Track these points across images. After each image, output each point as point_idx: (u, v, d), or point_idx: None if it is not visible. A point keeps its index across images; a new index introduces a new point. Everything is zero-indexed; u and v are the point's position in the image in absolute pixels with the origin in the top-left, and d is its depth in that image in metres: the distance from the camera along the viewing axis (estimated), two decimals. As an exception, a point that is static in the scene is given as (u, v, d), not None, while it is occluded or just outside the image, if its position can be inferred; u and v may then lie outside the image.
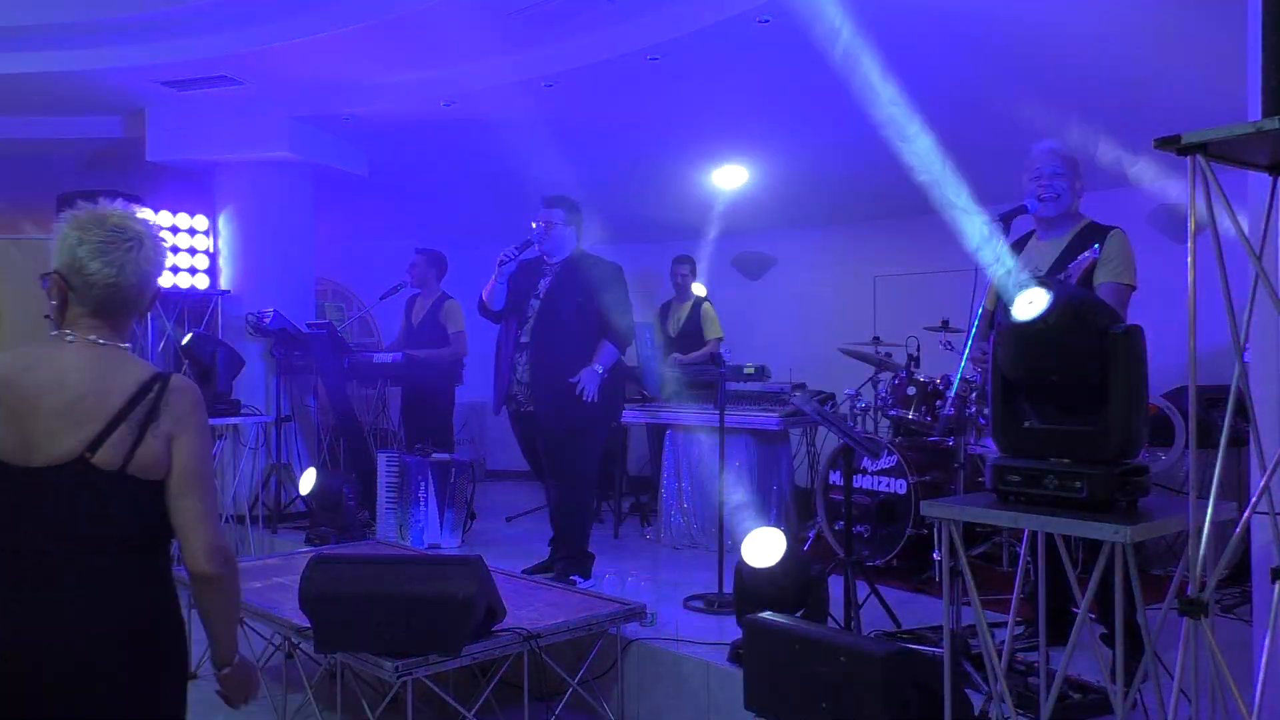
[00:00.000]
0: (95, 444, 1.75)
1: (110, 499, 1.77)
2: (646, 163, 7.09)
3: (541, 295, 4.65)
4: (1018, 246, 3.63)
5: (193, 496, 1.81)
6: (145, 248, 1.86)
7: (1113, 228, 3.46)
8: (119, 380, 1.80)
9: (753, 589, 3.53)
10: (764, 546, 3.58)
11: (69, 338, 1.83)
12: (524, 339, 4.64)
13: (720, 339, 7.07)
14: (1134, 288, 3.39)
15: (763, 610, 3.19)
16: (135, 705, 1.79)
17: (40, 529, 1.76)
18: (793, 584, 3.50)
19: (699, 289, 7.36)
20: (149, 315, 6.17)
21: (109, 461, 1.75)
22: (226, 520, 6.12)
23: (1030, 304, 2.20)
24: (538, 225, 4.67)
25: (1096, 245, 3.38)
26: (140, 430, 1.77)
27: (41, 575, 1.75)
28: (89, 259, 1.80)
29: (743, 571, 3.62)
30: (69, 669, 1.74)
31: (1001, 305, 3.55)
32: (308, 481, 5.66)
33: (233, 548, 1.90)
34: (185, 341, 6.02)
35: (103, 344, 1.84)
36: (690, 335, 7.11)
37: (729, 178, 7.21)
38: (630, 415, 6.01)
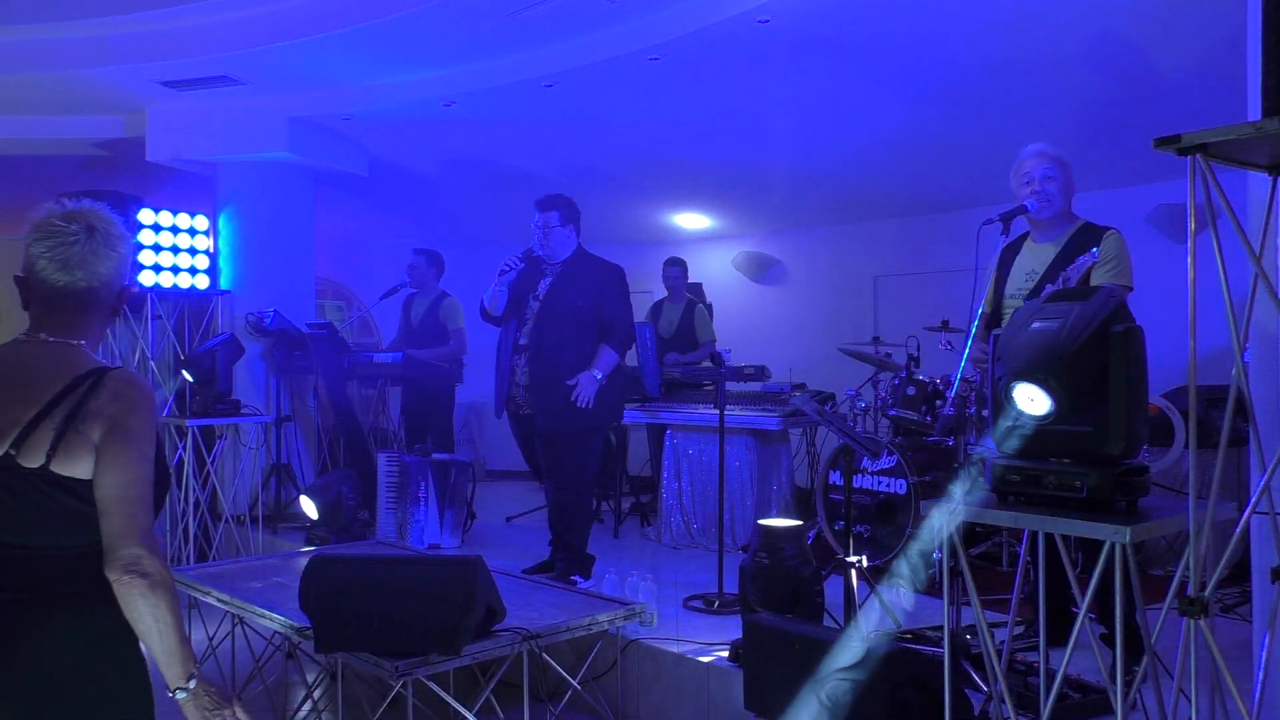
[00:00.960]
0: (19, 440, 1.68)
1: (40, 498, 1.69)
2: (647, 162, 7.10)
3: (541, 297, 4.63)
4: (1013, 248, 3.63)
5: (114, 489, 1.69)
6: (94, 241, 1.79)
7: (1109, 229, 3.46)
8: (52, 375, 1.73)
9: (752, 580, 3.54)
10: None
11: (22, 337, 1.80)
12: (523, 341, 4.62)
13: (713, 341, 7.08)
14: (1131, 289, 3.39)
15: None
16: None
17: None
18: (788, 583, 3.52)
19: (692, 289, 7.37)
20: (148, 315, 6.19)
21: (31, 459, 1.68)
22: (226, 520, 6.12)
23: (1031, 401, 2.17)
24: (537, 232, 4.63)
25: (1095, 249, 3.38)
26: (64, 425, 1.68)
27: None
28: (36, 258, 1.77)
29: (745, 567, 3.63)
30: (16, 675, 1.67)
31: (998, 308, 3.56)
32: (310, 507, 5.66)
33: (162, 557, 1.71)
34: (185, 358, 6.03)
35: (51, 341, 1.78)
36: (684, 336, 7.12)
37: (729, 181, 7.21)
38: (630, 415, 6.01)
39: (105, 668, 1.75)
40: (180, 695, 1.69)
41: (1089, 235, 3.44)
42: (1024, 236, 3.64)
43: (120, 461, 1.70)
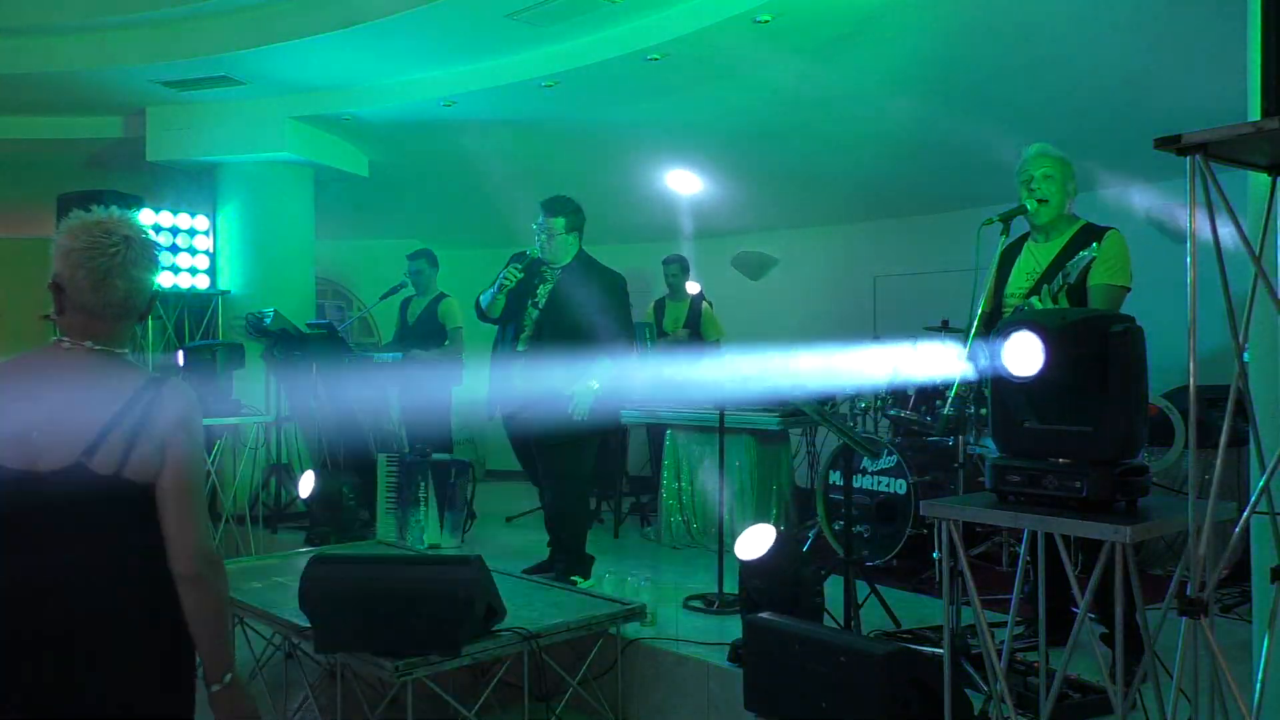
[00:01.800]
0: (92, 449, 1.76)
1: (106, 503, 1.78)
2: (646, 163, 7.09)
3: (541, 305, 4.58)
4: (1014, 248, 3.62)
5: (180, 500, 1.82)
6: (133, 251, 1.86)
7: (1109, 228, 3.45)
8: (114, 386, 1.82)
9: (748, 585, 3.54)
10: (755, 541, 3.59)
11: (65, 344, 1.85)
12: (520, 347, 4.59)
13: (720, 339, 7.07)
14: (1129, 289, 3.38)
15: (760, 608, 3.19)
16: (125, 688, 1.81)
17: (36, 531, 1.77)
18: (786, 583, 3.51)
19: (693, 287, 7.36)
20: (149, 316, 6.21)
21: (105, 466, 1.77)
22: (226, 520, 6.12)
23: (1024, 357, 2.17)
24: (539, 238, 4.57)
25: (1094, 244, 3.38)
26: (134, 435, 1.78)
27: (35, 574, 1.77)
28: (77, 266, 1.82)
29: (740, 570, 3.63)
30: (56, 669, 1.75)
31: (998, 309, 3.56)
32: (307, 484, 5.66)
33: (219, 555, 1.89)
34: (180, 364, 6.02)
35: (98, 350, 1.85)
36: (691, 333, 7.11)
37: (729, 179, 7.21)
38: (630, 415, 6.00)
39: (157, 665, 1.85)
40: (215, 689, 1.85)
41: (1090, 235, 3.44)
42: (1025, 236, 3.64)
43: (186, 469, 1.83)
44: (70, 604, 1.78)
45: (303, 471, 6.60)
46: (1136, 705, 2.63)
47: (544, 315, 4.56)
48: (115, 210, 1.90)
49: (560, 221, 4.55)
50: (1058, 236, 3.51)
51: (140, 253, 1.87)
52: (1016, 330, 2.18)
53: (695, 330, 7.10)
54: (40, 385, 1.81)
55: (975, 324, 3.41)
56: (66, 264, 1.82)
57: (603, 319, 4.53)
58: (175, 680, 1.88)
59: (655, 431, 6.48)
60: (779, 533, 3.58)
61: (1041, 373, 2.13)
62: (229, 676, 1.87)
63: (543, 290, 4.61)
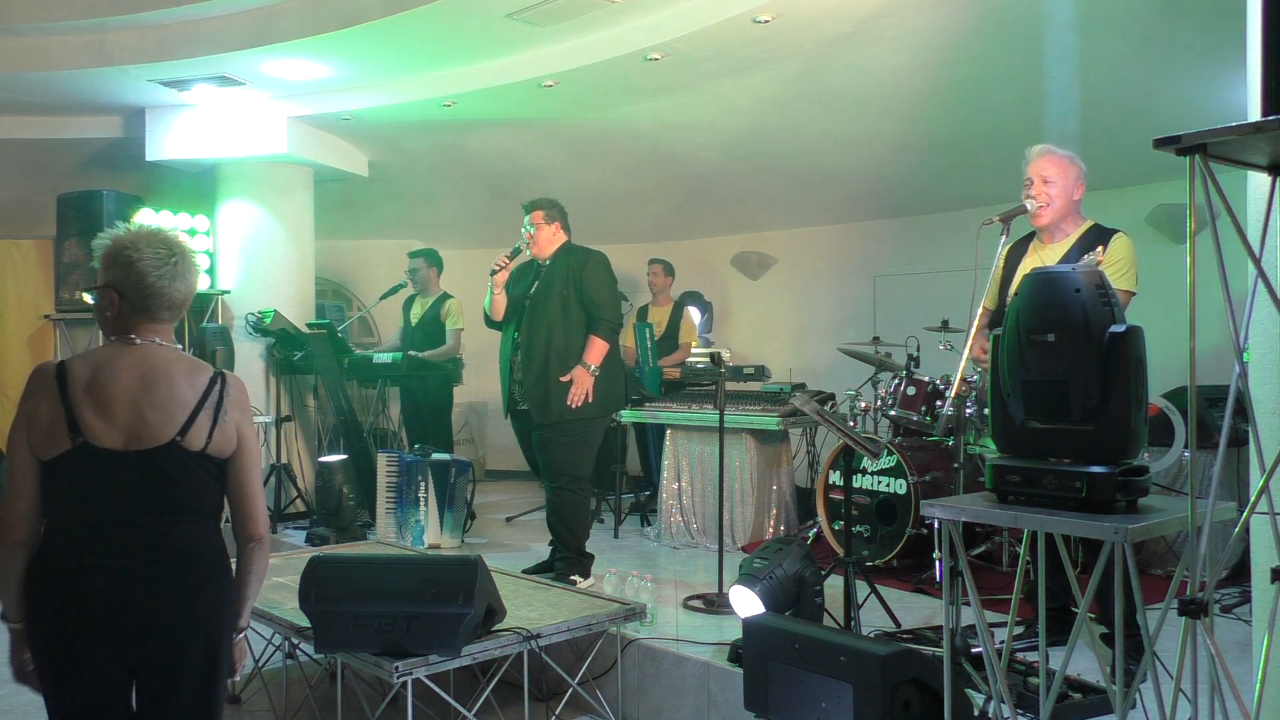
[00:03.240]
0: (184, 429, 2.07)
1: (193, 475, 2.10)
2: (647, 162, 7.09)
3: (531, 295, 4.68)
4: (1020, 247, 3.62)
5: (253, 472, 2.20)
6: (189, 259, 2.18)
7: (1117, 231, 3.42)
8: (193, 376, 2.13)
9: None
10: (743, 603, 3.61)
11: (136, 341, 2.12)
12: (518, 338, 4.67)
13: (690, 344, 7.11)
14: (1134, 294, 3.36)
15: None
16: (216, 639, 2.14)
17: (134, 504, 2.04)
18: (786, 584, 3.51)
19: (691, 295, 7.41)
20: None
21: (195, 443, 2.09)
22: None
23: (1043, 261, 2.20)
24: (523, 238, 4.71)
25: (1100, 248, 3.36)
26: (215, 416, 2.11)
27: (133, 542, 2.04)
28: (146, 273, 2.09)
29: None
30: (159, 617, 2.05)
31: (1001, 303, 3.55)
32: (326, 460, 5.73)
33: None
34: (202, 325, 6.06)
35: (164, 345, 2.15)
36: (669, 339, 7.13)
37: (729, 178, 7.21)
38: (630, 415, 6.01)
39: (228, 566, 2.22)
40: (239, 638, 2.24)
41: (1097, 237, 3.41)
42: (1032, 235, 3.62)
43: (255, 446, 2.23)
44: (163, 568, 2.06)
45: (303, 470, 6.62)
46: (1136, 705, 2.64)
47: (532, 304, 4.63)
48: (153, 224, 2.21)
49: (538, 215, 4.69)
50: (1064, 238, 3.49)
51: (191, 262, 2.19)
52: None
53: (674, 335, 7.15)
54: (126, 376, 2.06)
55: (977, 321, 3.41)
56: (130, 273, 2.09)
57: (584, 293, 4.58)
58: (229, 619, 2.21)
59: (653, 431, 6.49)
60: (762, 592, 3.58)
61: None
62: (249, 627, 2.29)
63: (536, 286, 4.69)
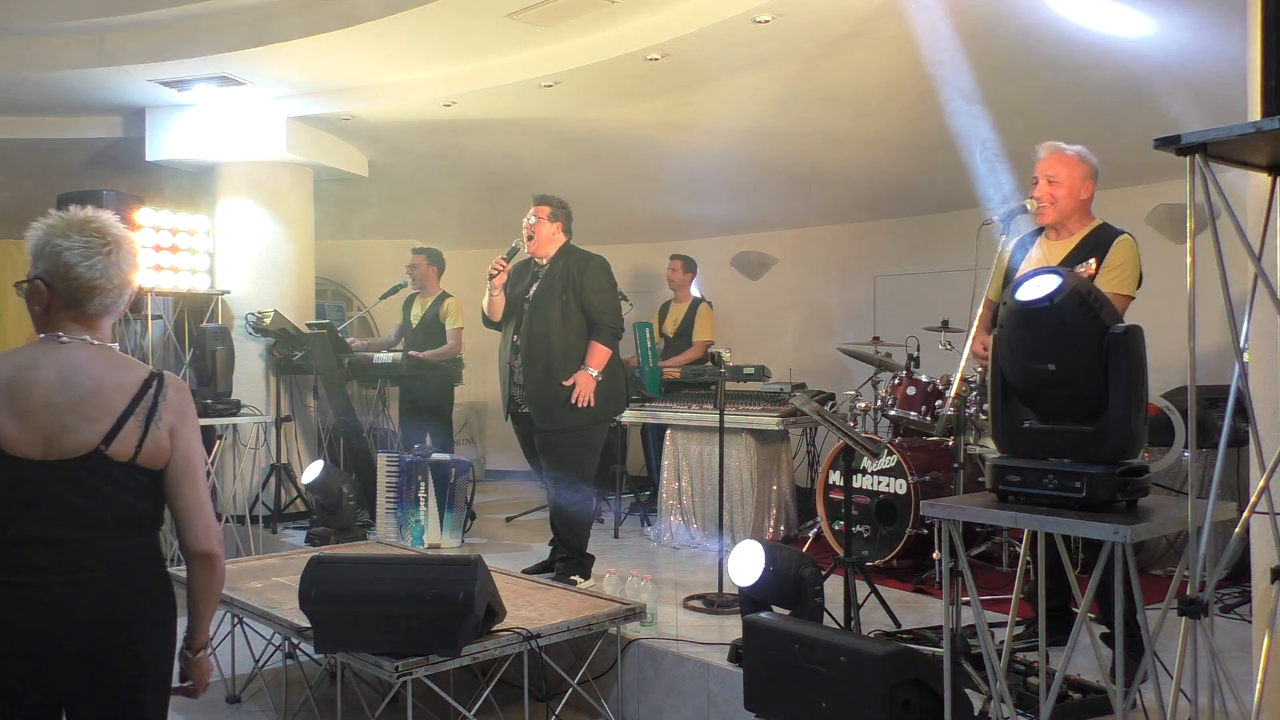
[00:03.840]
0: (109, 437, 1.88)
1: (122, 487, 1.90)
2: (646, 162, 7.09)
3: (530, 298, 4.65)
4: (1028, 242, 3.59)
5: (193, 482, 1.98)
6: (124, 250, 1.96)
7: (1122, 234, 3.38)
8: (123, 378, 1.93)
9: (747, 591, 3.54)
10: (746, 560, 3.59)
11: (63, 339, 1.92)
12: (518, 341, 4.64)
13: (709, 341, 7.07)
14: (1132, 297, 3.32)
15: (760, 608, 3.19)
16: (152, 666, 1.96)
17: (55, 518, 1.86)
18: (786, 584, 3.51)
19: (695, 289, 7.37)
20: (149, 315, 6.20)
21: (122, 453, 1.89)
22: (226, 520, 6.13)
23: (1039, 287, 2.19)
24: (524, 232, 4.67)
25: (1092, 261, 3.32)
26: (146, 423, 1.91)
27: (54, 560, 1.86)
28: (74, 264, 1.89)
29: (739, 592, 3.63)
30: (86, 643, 1.87)
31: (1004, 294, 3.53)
32: (312, 471, 5.64)
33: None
34: (202, 325, 6.06)
35: (96, 344, 1.95)
36: (685, 335, 7.12)
37: (729, 179, 7.21)
38: (630, 415, 6.01)
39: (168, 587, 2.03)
40: (199, 655, 2.07)
41: (1103, 236, 3.37)
42: (1039, 231, 3.58)
43: (196, 453, 2.00)
44: (89, 588, 1.88)
45: (305, 469, 6.61)
46: (1136, 705, 2.64)
47: (532, 307, 4.61)
48: (89, 208, 1.97)
49: (544, 211, 4.66)
50: (1069, 236, 3.46)
51: (130, 251, 1.98)
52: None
53: (689, 332, 7.11)
54: (49, 379, 1.88)
55: (979, 315, 3.39)
56: (57, 263, 1.89)
57: (586, 299, 4.56)
58: (170, 642, 2.05)
59: (652, 431, 6.48)
60: (767, 547, 3.57)
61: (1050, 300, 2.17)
62: (208, 648, 2.11)
63: (535, 287, 4.66)
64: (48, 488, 1.85)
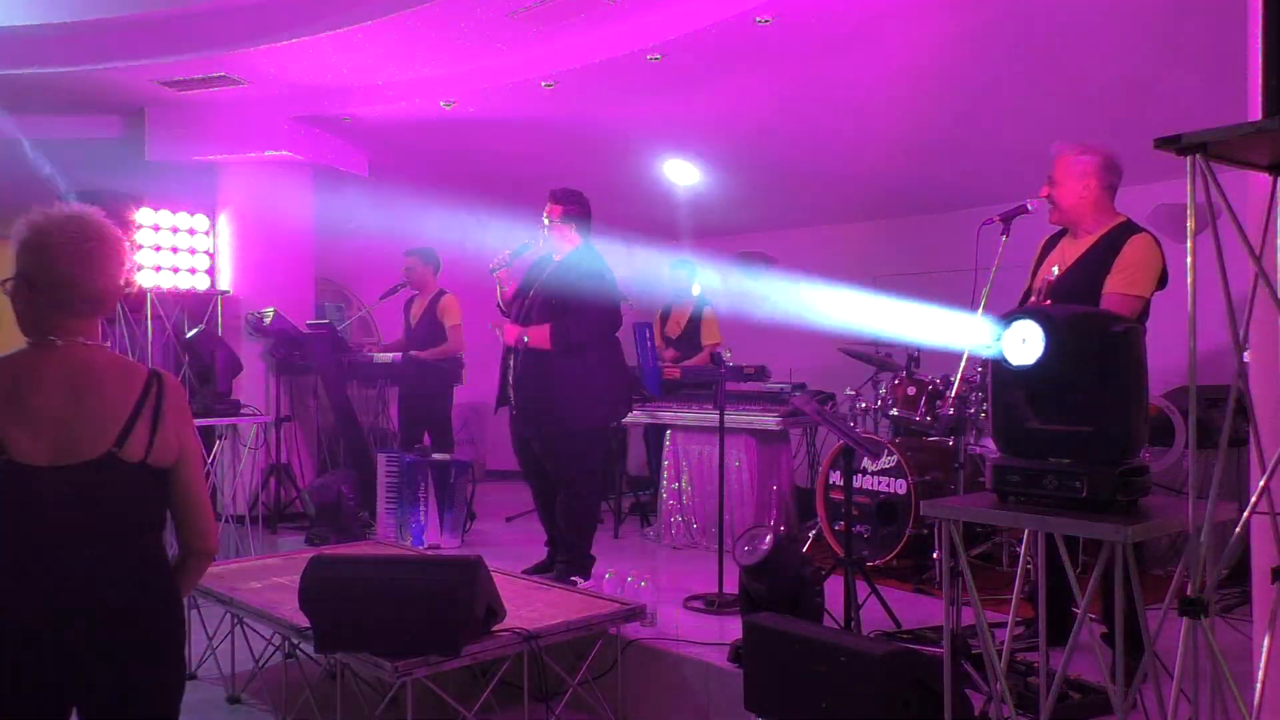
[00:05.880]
0: (121, 439, 1.87)
1: (133, 488, 1.91)
2: (646, 163, 7.09)
3: (530, 297, 4.60)
4: (1050, 243, 3.56)
5: (195, 480, 2.00)
6: (109, 247, 1.91)
7: (1139, 233, 3.31)
8: (126, 379, 1.93)
9: (749, 587, 3.54)
10: (753, 542, 3.59)
11: (57, 343, 1.88)
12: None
13: (717, 344, 7.04)
14: (1144, 298, 3.24)
15: (760, 608, 3.19)
16: (165, 662, 1.98)
17: (64, 523, 1.85)
18: (786, 584, 3.51)
19: (697, 290, 7.35)
20: (148, 315, 6.19)
21: (133, 454, 1.88)
22: (226, 520, 6.12)
23: (1024, 342, 2.18)
24: (543, 226, 4.63)
25: (1119, 249, 3.28)
26: (154, 423, 1.91)
27: (65, 564, 1.84)
28: (60, 259, 1.85)
29: (740, 573, 3.63)
30: (100, 644, 1.87)
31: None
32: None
33: None
34: (189, 335, 6.03)
35: (90, 346, 1.92)
36: (689, 338, 7.10)
37: (729, 179, 7.21)
38: (630, 415, 5.99)
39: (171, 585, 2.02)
40: None
41: (1118, 240, 3.31)
42: (1063, 232, 3.52)
43: (198, 452, 2.03)
44: (100, 590, 1.87)
45: (305, 469, 6.61)
46: (1136, 705, 2.63)
47: (531, 302, 4.57)
48: (76, 206, 1.93)
49: (556, 209, 4.60)
50: (1086, 235, 3.41)
51: (115, 247, 1.93)
52: (1019, 319, 2.20)
53: (695, 335, 7.08)
54: (69, 383, 1.86)
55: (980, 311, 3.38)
56: (41, 259, 1.85)
57: (572, 299, 4.43)
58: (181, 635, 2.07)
59: (652, 431, 6.48)
60: (776, 533, 3.58)
61: (1041, 361, 2.14)
62: None
63: (536, 286, 4.63)
64: (59, 494, 1.84)
